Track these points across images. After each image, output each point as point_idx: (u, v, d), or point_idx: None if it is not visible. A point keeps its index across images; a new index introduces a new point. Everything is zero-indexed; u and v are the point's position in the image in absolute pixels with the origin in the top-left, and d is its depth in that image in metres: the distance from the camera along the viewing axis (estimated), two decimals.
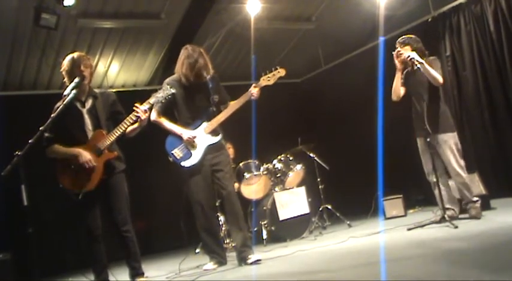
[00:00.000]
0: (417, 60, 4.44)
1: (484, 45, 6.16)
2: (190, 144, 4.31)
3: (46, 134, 3.71)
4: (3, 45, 6.31)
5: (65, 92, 3.72)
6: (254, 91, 4.32)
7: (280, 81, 4.52)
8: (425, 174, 4.71)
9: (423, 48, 4.74)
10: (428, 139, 4.46)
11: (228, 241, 5.82)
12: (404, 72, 4.71)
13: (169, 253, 7.05)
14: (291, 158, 6.44)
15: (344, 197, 7.10)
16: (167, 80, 4.39)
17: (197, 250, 6.06)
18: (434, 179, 4.53)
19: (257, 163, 6.28)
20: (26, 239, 3.14)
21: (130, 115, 3.82)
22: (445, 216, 4.25)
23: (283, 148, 6.67)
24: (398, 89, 4.77)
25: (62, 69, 3.88)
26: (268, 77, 4.38)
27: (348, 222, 6.06)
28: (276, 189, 6.17)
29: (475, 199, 4.55)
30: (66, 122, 3.79)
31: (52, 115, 3.62)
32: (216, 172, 4.35)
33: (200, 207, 4.31)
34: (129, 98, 4.17)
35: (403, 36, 4.81)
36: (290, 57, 8.51)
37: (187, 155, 4.32)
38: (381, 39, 6.89)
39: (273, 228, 5.76)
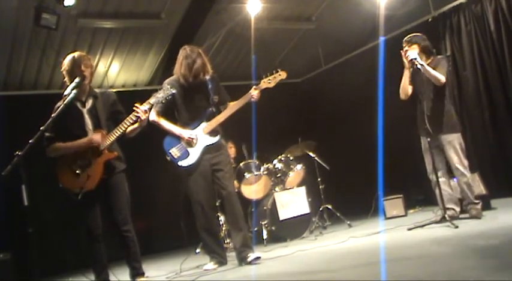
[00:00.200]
0: (417, 62, 4.43)
1: (485, 45, 6.16)
2: (189, 144, 4.31)
3: (46, 134, 3.72)
4: (4, 45, 6.31)
5: (66, 92, 3.72)
6: (254, 93, 4.31)
7: (280, 82, 4.51)
8: (427, 173, 4.71)
9: (430, 47, 4.73)
10: (428, 139, 4.46)
11: (228, 241, 5.82)
12: (411, 71, 4.66)
13: (169, 253, 7.05)
14: (291, 158, 6.44)
15: (344, 197, 7.10)
16: (167, 80, 4.39)
17: (197, 250, 6.06)
18: (434, 179, 4.53)
19: (257, 162, 6.28)
20: (26, 239, 3.14)
21: (130, 115, 3.81)
22: (446, 216, 4.25)
23: (283, 147, 6.68)
24: (406, 88, 4.73)
25: (62, 69, 3.88)
26: (269, 79, 4.36)
27: (348, 222, 6.06)
28: (276, 189, 6.17)
29: (477, 201, 4.55)
30: (67, 122, 3.80)
31: (52, 115, 3.63)
32: (216, 171, 4.35)
33: (200, 207, 4.31)
34: (129, 98, 4.17)
35: (410, 35, 4.76)
36: (290, 57, 8.52)
37: (185, 155, 4.32)
38: (381, 39, 6.90)
39: (273, 228, 5.76)
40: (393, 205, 6.04)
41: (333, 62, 8.61)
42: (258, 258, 4.10)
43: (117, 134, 3.80)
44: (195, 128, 4.35)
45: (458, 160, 4.51)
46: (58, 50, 6.57)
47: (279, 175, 6.33)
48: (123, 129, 3.80)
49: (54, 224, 6.41)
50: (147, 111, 3.86)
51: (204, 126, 4.34)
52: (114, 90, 7.28)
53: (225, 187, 4.32)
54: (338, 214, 6.38)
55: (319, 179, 6.61)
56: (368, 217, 6.46)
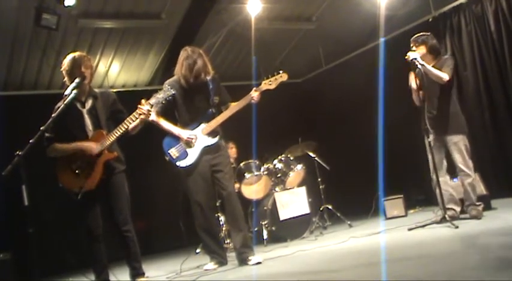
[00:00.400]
0: (418, 61, 4.42)
1: (485, 45, 6.16)
2: (188, 144, 4.31)
3: (46, 135, 3.72)
4: (4, 45, 6.31)
5: (66, 92, 3.72)
6: (255, 95, 4.30)
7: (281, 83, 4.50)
8: (430, 172, 4.70)
9: (437, 46, 4.71)
10: (429, 139, 4.45)
11: (228, 241, 5.82)
12: (416, 72, 4.61)
13: (169, 253, 7.05)
14: (291, 158, 6.44)
15: (344, 197, 7.10)
16: (167, 81, 4.39)
17: (198, 250, 6.05)
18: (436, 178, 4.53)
19: (257, 163, 6.28)
20: (26, 239, 3.14)
21: (131, 116, 3.82)
22: (446, 216, 4.25)
23: (283, 147, 6.67)
24: (417, 95, 4.63)
25: (62, 69, 3.88)
26: (270, 81, 4.35)
27: (349, 222, 6.06)
28: (277, 189, 6.17)
29: (478, 203, 4.54)
30: (67, 122, 3.80)
31: (53, 115, 3.62)
32: (216, 172, 4.34)
33: (199, 207, 4.31)
34: (129, 98, 4.17)
35: (418, 34, 4.73)
36: (291, 58, 8.52)
37: (184, 155, 4.32)
38: (382, 39, 6.90)
39: (273, 228, 5.76)
40: (393, 205, 6.04)
41: (334, 62, 8.61)
42: (259, 263, 4.09)
43: (117, 134, 3.80)
44: (194, 128, 4.35)
45: (462, 161, 4.51)
46: (58, 50, 6.57)
47: (279, 175, 6.33)
48: (124, 129, 3.79)
49: (54, 224, 6.41)
50: (149, 110, 3.87)
51: (204, 127, 4.34)
52: (115, 90, 7.30)
53: (225, 188, 4.31)
54: (338, 214, 6.37)
55: (319, 179, 6.61)
56: (368, 217, 6.45)
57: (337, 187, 7.15)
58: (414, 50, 4.62)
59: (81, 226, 3.86)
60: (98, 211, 3.87)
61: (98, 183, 3.77)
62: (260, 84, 4.38)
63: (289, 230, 5.78)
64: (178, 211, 6.08)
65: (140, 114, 3.79)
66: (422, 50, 4.62)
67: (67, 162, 3.79)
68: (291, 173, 6.29)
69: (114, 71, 7.62)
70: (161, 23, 6.90)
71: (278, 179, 6.33)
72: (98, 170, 3.77)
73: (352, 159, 7.70)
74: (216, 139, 4.37)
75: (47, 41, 6.42)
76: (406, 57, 4.52)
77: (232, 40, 7.77)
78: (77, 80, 3.74)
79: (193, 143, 4.31)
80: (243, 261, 4.18)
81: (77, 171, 3.77)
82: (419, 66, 4.41)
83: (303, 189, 6.13)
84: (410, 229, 4.37)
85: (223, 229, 5.92)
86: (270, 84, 4.35)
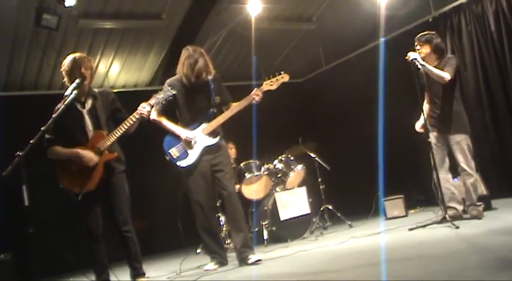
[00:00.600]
0: (418, 62, 4.41)
1: (485, 45, 6.16)
2: (188, 144, 4.31)
3: (47, 136, 3.72)
4: (4, 45, 6.32)
5: (66, 93, 3.72)
6: (257, 98, 4.29)
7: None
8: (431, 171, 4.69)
9: (442, 45, 4.70)
10: (429, 139, 4.45)
11: (228, 241, 5.82)
12: (420, 73, 4.56)
13: (169, 253, 7.05)
14: (291, 158, 6.43)
15: (345, 198, 7.10)
16: (168, 80, 4.39)
17: (198, 250, 6.05)
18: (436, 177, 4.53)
19: (258, 163, 6.28)
20: (27, 239, 3.13)
21: (131, 116, 3.82)
22: (446, 216, 4.25)
23: (284, 148, 6.67)
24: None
25: (62, 69, 3.89)
26: (271, 81, 4.34)
27: (349, 222, 6.06)
28: (277, 189, 6.17)
29: (479, 203, 4.54)
30: (67, 123, 3.80)
31: (53, 116, 3.62)
32: (217, 172, 4.34)
33: (199, 207, 4.31)
34: (130, 98, 4.18)
35: (423, 33, 4.71)
36: (291, 58, 8.52)
37: (184, 155, 4.31)
38: (382, 39, 6.90)
39: (273, 228, 5.75)
40: (394, 205, 6.03)
41: (334, 63, 8.61)
42: (258, 261, 4.10)
43: (117, 135, 3.80)
44: (195, 128, 4.35)
45: (465, 160, 4.50)
46: (59, 51, 6.57)
47: (279, 175, 6.33)
48: (124, 129, 3.80)
49: (55, 224, 6.41)
50: (149, 111, 3.88)
51: (204, 127, 4.34)
52: (115, 90, 7.29)
53: (226, 188, 4.31)
54: (339, 214, 6.37)
55: (319, 180, 6.61)
56: (369, 217, 6.45)
57: (337, 187, 7.15)
58: (418, 49, 4.60)
59: (81, 226, 3.86)
60: (98, 211, 3.88)
61: (98, 183, 3.77)
62: (261, 84, 4.37)
63: (289, 231, 5.78)
64: (178, 211, 6.08)
65: (140, 114, 3.79)
66: (426, 49, 4.60)
67: (67, 163, 3.79)
68: (291, 173, 6.29)
69: (114, 71, 7.62)
70: (161, 23, 6.90)
71: (278, 179, 6.33)
72: (98, 170, 3.78)
73: (352, 159, 7.70)
74: (216, 139, 4.37)
75: (47, 42, 6.42)
76: (406, 57, 4.50)
77: (233, 40, 7.77)
78: (77, 80, 3.74)
79: (192, 144, 4.30)
80: (243, 261, 4.18)
81: (77, 172, 3.76)
82: (419, 66, 4.41)
83: (303, 189, 6.12)
84: (410, 229, 4.37)
85: (224, 229, 5.92)
86: (271, 84, 4.35)
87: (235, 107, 4.38)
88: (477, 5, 6.23)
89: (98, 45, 6.95)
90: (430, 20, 6.76)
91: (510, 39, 5.87)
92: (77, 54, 3.91)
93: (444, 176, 4.58)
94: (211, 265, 4.33)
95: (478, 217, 4.40)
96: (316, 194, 6.45)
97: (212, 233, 4.40)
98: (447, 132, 4.56)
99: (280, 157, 6.44)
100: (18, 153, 3.23)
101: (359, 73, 7.54)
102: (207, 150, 4.33)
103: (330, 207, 6.50)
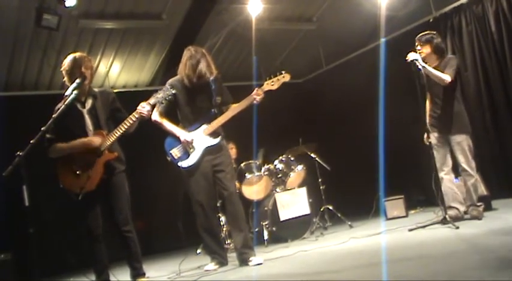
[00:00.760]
0: (418, 63, 4.40)
1: (486, 45, 6.16)
2: (188, 146, 4.31)
3: (47, 136, 3.72)
4: (5, 45, 6.32)
5: (66, 93, 3.72)
6: (257, 97, 4.29)
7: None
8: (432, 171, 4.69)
9: (442, 45, 4.68)
10: (429, 139, 4.45)
11: (229, 241, 5.82)
12: (421, 73, 4.57)
13: (170, 253, 7.04)
14: (292, 159, 6.43)
15: (345, 198, 7.10)
16: (170, 80, 4.39)
17: (198, 251, 6.05)
18: (440, 175, 4.53)
19: (258, 163, 6.28)
20: (27, 239, 3.14)
21: (130, 116, 3.82)
22: (446, 216, 4.25)
23: (284, 148, 6.67)
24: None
25: (62, 69, 3.89)
26: (273, 81, 4.34)
27: (349, 223, 6.06)
28: (277, 189, 6.17)
29: (479, 203, 4.54)
30: (67, 123, 3.80)
31: (53, 116, 3.62)
32: (218, 172, 4.34)
33: (200, 207, 4.31)
34: (130, 98, 4.17)
35: (423, 33, 4.69)
36: (291, 58, 8.52)
37: (185, 156, 4.31)
38: (382, 40, 6.90)
39: (274, 229, 5.75)
40: (394, 205, 6.03)
41: (334, 63, 8.61)
42: (259, 264, 4.09)
43: (117, 135, 3.80)
44: (196, 129, 4.35)
45: (466, 161, 4.50)
46: (59, 51, 6.57)
47: (279, 176, 6.33)
48: (123, 129, 3.80)
49: (55, 224, 6.41)
50: (149, 111, 3.88)
51: (205, 128, 4.34)
52: (116, 91, 7.29)
53: (227, 188, 4.31)
54: (339, 215, 6.37)
55: (320, 180, 6.60)
56: (369, 217, 6.45)
57: (337, 187, 7.14)
58: (419, 49, 4.60)
59: (81, 226, 3.86)
60: (99, 211, 3.88)
61: (98, 183, 3.77)
62: (262, 84, 4.37)
63: (289, 231, 5.78)
64: (178, 211, 6.09)
65: (140, 114, 3.80)
66: (427, 49, 4.59)
67: (67, 163, 3.79)
68: (292, 174, 6.29)
69: (114, 71, 7.62)
70: (162, 23, 6.90)
71: (279, 179, 6.33)
72: (99, 170, 3.78)
73: (352, 159, 7.70)
74: (218, 139, 4.37)
75: (48, 42, 6.43)
76: (407, 58, 4.49)
77: (233, 40, 7.77)
78: (77, 80, 3.74)
79: (194, 144, 4.29)
80: (243, 261, 4.18)
81: (77, 172, 3.77)
82: (419, 67, 4.40)
83: (304, 189, 6.12)
84: (411, 230, 4.36)
85: (224, 229, 5.92)
86: (273, 84, 4.34)
87: (236, 107, 4.37)
88: (478, 6, 6.23)
89: (99, 45, 6.96)
90: (431, 20, 6.75)
91: (510, 39, 5.87)
92: (77, 54, 3.92)
93: (448, 177, 4.58)
94: (212, 265, 4.33)
95: (478, 217, 4.40)
96: (317, 195, 6.45)
97: (212, 234, 4.40)
98: (448, 132, 4.56)
99: (280, 157, 6.43)
100: (18, 153, 3.23)
101: (359, 73, 7.54)
102: (209, 150, 4.33)
103: (330, 207, 6.50)
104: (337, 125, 8.27)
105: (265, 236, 5.77)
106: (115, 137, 3.80)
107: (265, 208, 5.91)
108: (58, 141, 3.81)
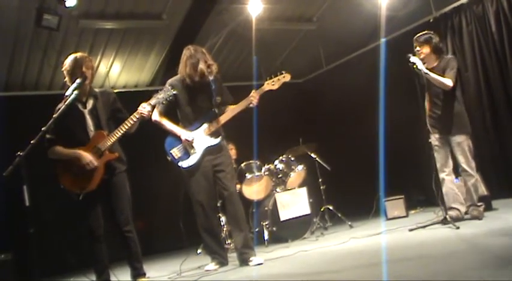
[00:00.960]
0: (422, 71, 4.36)
1: (486, 45, 6.16)
2: (188, 145, 4.31)
3: (48, 136, 3.72)
4: (5, 45, 6.32)
5: (67, 93, 3.72)
6: (254, 101, 4.28)
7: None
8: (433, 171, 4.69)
9: (440, 45, 4.67)
10: (430, 140, 4.45)
11: (229, 241, 5.82)
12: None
13: (170, 253, 7.05)
14: (292, 159, 6.43)
15: (345, 198, 7.10)
16: (170, 80, 4.39)
17: (199, 251, 6.06)
18: (441, 176, 4.53)
19: (258, 163, 6.28)
20: (27, 239, 3.14)
21: (131, 116, 3.82)
22: (447, 216, 4.25)
23: (284, 148, 6.67)
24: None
25: (63, 69, 3.89)
26: (273, 81, 4.34)
27: (350, 223, 6.06)
28: (278, 190, 6.17)
29: (479, 203, 4.54)
30: (68, 123, 3.80)
31: (54, 116, 3.63)
32: (218, 172, 4.34)
33: (201, 207, 4.31)
34: (130, 98, 4.18)
35: (420, 33, 4.67)
36: (291, 58, 8.52)
37: (186, 156, 4.32)
38: (382, 40, 6.90)
39: (274, 229, 5.75)
40: (394, 205, 6.03)
41: (334, 63, 8.61)
42: (260, 264, 4.09)
43: (117, 135, 3.80)
44: (196, 128, 4.35)
45: (466, 161, 4.50)
46: (59, 51, 6.58)
47: (280, 176, 6.33)
48: (124, 130, 3.80)
49: (55, 224, 6.41)
50: (150, 111, 3.88)
51: (206, 128, 4.34)
52: (116, 91, 7.29)
53: (227, 188, 4.31)
54: (339, 215, 6.37)
55: (320, 180, 6.61)
56: (369, 217, 6.45)
57: (338, 187, 7.15)
58: (418, 50, 4.59)
59: (81, 226, 3.87)
60: (99, 211, 3.88)
61: (99, 183, 3.77)
62: (262, 84, 4.37)
63: (290, 231, 5.78)
64: (179, 211, 6.07)
65: (140, 114, 3.80)
66: (426, 49, 4.57)
67: (68, 163, 3.79)
68: (292, 174, 6.29)
69: (115, 71, 7.62)
70: (162, 23, 6.90)
71: (279, 179, 6.33)
72: (99, 171, 3.78)
73: (353, 159, 7.70)
74: (218, 140, 4.37)
75: (48, 42, 6.43)
76: (407, 58, 4.48)
77: (233, 41, 7.77)
78: (78, 80, 3.74)
79: (194, 144, 4.29)
80: (244, 261, 4.18)
81: (78, 172, 3.77)
82: (422, 72, 4.36)
83: (304, 189, 6.12)
84: (411, 230, 4.37)
85: (225, 229, 5.92)
86: (273, 84, 4.34)
87: (236, 107, 4.37)
88: (478, 6, 6.23)
89: (99, 45, 6.96)
90: (431, 20, 6.75)
91: (511, 39, 5.87)
92: (78, 54, 3.91)
93: (449, 177, 4.58)
94: (212, 265, 4.33)
95: (478, 218, 4.40)
96: (317, 195, 6.45)
97: (213, 234, 4.40)
98: (448, 133, 4.55)
99: (280, 157, 6.44)
100: (19, 153, 3.23)
101: (360, 74, 7.54)
102: (209, 150, 4.33)
103: (331, 207, 6.50)
104: (337, 125, 8.27)
105: (266, 236, 5.77)
106: (116, 137, 3.80)
107: (266, 208, 5.91)
108: (59, 141, 3.81)
